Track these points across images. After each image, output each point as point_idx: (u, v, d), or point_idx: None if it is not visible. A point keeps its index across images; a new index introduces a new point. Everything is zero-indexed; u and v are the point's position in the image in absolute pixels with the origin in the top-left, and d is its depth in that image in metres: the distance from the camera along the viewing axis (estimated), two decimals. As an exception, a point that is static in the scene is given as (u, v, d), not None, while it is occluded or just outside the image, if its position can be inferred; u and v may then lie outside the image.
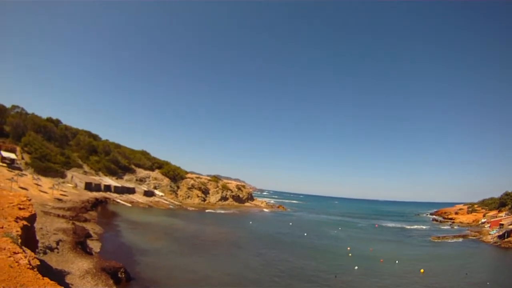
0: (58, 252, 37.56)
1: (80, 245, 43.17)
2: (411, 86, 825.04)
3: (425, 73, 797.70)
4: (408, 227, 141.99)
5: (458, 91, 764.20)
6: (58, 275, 29.87)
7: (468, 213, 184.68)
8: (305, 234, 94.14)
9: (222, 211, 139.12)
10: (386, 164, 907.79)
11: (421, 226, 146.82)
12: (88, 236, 52.20)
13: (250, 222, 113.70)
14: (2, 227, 17.98)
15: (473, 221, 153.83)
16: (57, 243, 39.91)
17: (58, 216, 58.73)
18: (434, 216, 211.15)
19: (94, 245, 49.06)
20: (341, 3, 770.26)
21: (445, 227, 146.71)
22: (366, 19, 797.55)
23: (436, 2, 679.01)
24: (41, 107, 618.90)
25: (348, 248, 73.81)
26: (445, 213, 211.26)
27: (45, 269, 20.04)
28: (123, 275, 36.41)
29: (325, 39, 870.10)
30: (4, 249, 14.38)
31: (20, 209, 23.79)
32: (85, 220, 64.70)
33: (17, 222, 20.83)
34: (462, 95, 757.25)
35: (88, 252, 42.48)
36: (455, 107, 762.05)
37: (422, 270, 56.67)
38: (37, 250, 28.99)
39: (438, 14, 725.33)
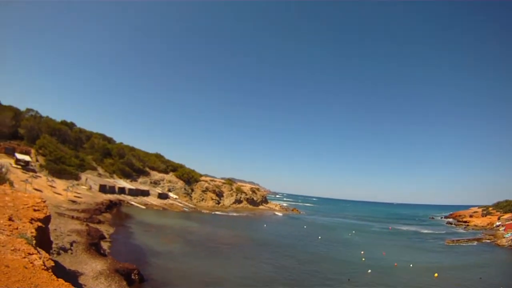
0: (71, 253, 37.67)
1: (94, 246, 43.25)
2: (421, 88, 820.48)
3: (436, 74, 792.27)
4: (422, 230, 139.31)
5: (469, 93, 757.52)
6: (71, 276, 29.90)
7: (482, 216, 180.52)
8: (319, 237, 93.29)
9: (236, 214, 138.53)
10: (399, 166, 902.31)
11: (436, 229, 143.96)
12: (102, 237, 52.37)
13: (264, 225, 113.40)
14: (17, 228, 18.00)
15: (488, 224, 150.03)
16: (71, 244, 40.06)
17: (72, 217, 59.17)
18: (448, 219, 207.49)
19: (108, 247, 49.26)
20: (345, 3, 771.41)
21: (459, 230, 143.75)
22: (370, 19, 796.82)
23: (441, 2, 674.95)
24: (55, 111, 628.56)
25: (362, 252, 72.64)
26: (459, 216, 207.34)
27: (58, 270, 20.11)
28: (137, 277, 36.32)
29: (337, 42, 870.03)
30: (19, 250, 14.35)
31: (35, 210, 23.86)
32: (99, 222, 65.06)
33: (31, 223, 20.87)
34: (474, 96, 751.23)
35: (102, 254, 42.53)
36: (469, 109, 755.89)
37: (436, 274, 55.56)
38: (51, 251, 29.14)
39: (443, 15, 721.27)
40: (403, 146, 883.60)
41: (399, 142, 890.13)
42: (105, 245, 49.52)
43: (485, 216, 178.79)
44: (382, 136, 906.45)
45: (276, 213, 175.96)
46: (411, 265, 62.34)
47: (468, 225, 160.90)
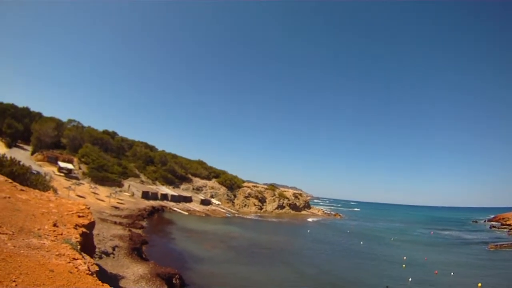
0: (113, 257, 39.19)
1: (136, 251, 44.52)
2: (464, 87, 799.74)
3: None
4: (464, 234, 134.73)
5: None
6: (112, 279, 31.34)
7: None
8: (361, 242, 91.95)
9: (279, 219, 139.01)
10: (441, 168, 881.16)
11: (478, 233, 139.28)
12: (144, 242, 53.82)
13: (308, 231, 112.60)
14: (61, 234, 18.48)
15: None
16: (113, 248, 41.59)
17: (115, 223, 61.18)
18: (491, 223, 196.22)
19: (150, 252, 50.34)
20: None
21: (502, 235, 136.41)
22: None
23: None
24: (97, 121, 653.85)
25: (404, 258, 71.07)
26: (503, 218, 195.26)
27: (100, 273, 20.51)
28: (178, 281, 37.14)
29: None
30: (64, 255, 14.68)
31: (79, 216, 24.53)
32: (142, 227, 66.94)
33: (76, 229, 21.38)
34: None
35: (144, 258, 43.76)
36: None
37: (479, 285, 52.43)
38: (93, 255, 29.89)
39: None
40: (443, 148, 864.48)
41: (438, 145, 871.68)
42: (147, 250, 51.07)
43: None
44: (422, 139, 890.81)
45: (319, 218, 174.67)
46: (452, 273, 59.61)
47: (511, 229, 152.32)
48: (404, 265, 64.58)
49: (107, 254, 39.12)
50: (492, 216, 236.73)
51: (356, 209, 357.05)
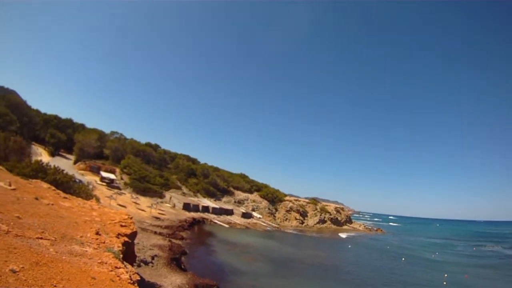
0: (152, 266, 40.19)
1: (175, 261, 45.19)
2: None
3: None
4: (508, 250, 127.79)
5: None
6: (150, 287, 31.80)
7: None
8: (403, 259, 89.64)
9: (320, 234, 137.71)
10: (485, 181, 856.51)
11: None
12: (184, 253, 54.41)
13: (349, 246, 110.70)
14: (104, 242, 18.55)
15: None
16: (152, 257, 42.61)
17: (155, 233, 62.14)
18: None
19: (189, 262, 50.77)
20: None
21: None
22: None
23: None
24: (140, 134, 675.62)
25: (445, 275, 68.59)
26: None
27: (138, 282, 20.48)
28: (216, 293, 37.08)
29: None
30: (106, 263, 14.67)
31: (121, 226, 24.79)
32: (182, 238, 67.67)
33: (118, 238, 21.49)
34: None
35: (183, 269, 44.25)
36: None
37: None
38: (133, 264, 30.21)
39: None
40: (486, 160, 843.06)
41: (481, 157, 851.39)
42: (186, 260, 51.65)
43: None
44: (459, 158, 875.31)
45: (360, 233, 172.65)
46: None
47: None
48: (445, 282, 62.76)
49: (146, 263, 39.96)
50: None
51: (395, 224, 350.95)
